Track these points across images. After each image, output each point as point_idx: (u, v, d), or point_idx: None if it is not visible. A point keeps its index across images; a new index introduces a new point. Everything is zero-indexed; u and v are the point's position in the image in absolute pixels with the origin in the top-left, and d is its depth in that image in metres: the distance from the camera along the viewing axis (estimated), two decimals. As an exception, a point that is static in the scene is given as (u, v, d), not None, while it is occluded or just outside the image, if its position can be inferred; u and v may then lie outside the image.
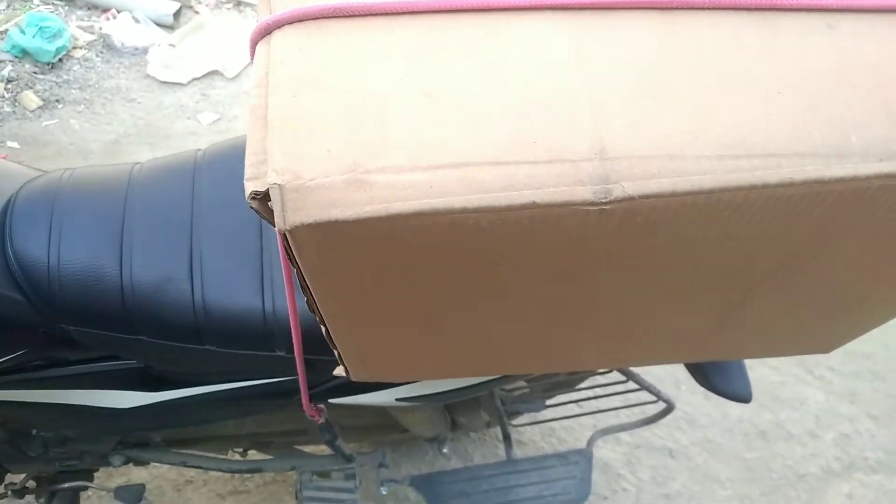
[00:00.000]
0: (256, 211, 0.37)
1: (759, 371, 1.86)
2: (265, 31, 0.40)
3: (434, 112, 0.36)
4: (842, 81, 0.38)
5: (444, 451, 1.34)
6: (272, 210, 0.36)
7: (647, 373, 1.20)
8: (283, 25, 0.40)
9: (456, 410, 1.18)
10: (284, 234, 0.37)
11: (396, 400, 0.93)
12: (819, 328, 0.64)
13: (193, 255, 0.80)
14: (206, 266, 0.80)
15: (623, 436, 1.69)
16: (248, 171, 0.36)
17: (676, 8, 0.40)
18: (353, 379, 0.69)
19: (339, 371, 0.70)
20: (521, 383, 1.21)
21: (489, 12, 0.39)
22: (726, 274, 0.47)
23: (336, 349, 0.59)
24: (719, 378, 0.88)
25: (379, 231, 0.36)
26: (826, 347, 0.71)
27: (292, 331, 0.67)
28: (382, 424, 1.18)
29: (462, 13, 0.39)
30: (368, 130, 0.36)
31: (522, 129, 0.36)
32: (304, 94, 0.37)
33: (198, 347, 0.81)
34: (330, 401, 0.93)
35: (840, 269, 0.49)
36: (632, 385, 1.13)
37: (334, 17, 0.39)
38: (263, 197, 0.36)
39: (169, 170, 0.86)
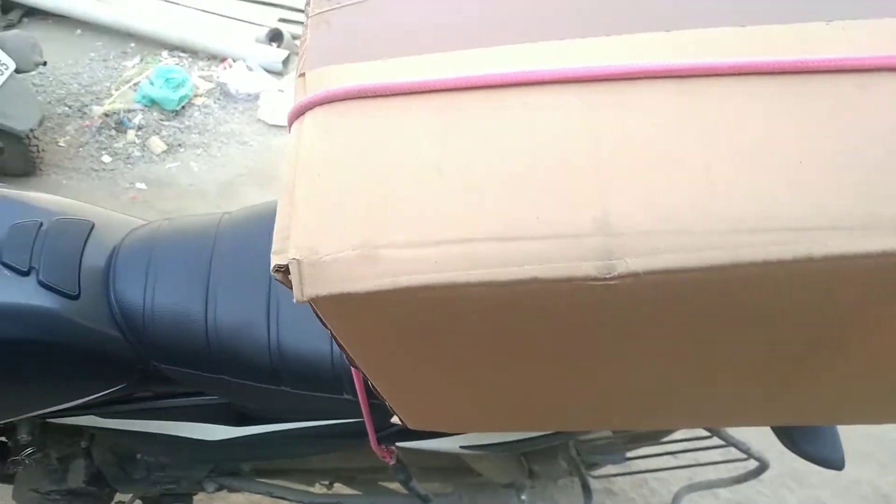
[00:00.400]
0: (280, 282, 0.40)
1: (881, 427, 1.70)
2: (299, 112, 0.43)
3: (444, 188, 0.38)
4: (873, 148, 0.36)
5: (523, 497, 1.32)
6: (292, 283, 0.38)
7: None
8: (315, 107, 0.43)
9: (532, 458, 1.17)
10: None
11: (461, 448, 0.94)
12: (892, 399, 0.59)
13: (271, 301, 0.85)
14: (282, 311, 0.85)
15: (723, 492, 1.58)
16: (274, 246, 0.39)
17: (696, 76, 0.40)
18: (410, 427, 0.71)
19: (395, 419, 0.71)
20: (606, 433, 1.18)
21: (505, 87, 0.40)
22: (763, 349, 0.45)
23: (384, 399, 0.61)
24: (806, 440, 0.82)
25: (389, 302, 0.38)
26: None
27: (354, 377, 0.70)
28: (456, 467, 1.19)
29: (478, 89, 0.40)
30: (382, 207, 0.38)
31: (526, 203, 0.37)
32: (326, 173, 0.40)
33: (273, 388, 0.86)
34: (398, 444, 0.95)
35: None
36: (718, 441, 1.07)
37: (359, 98, 0.42)
38: (285, 270, 0.39)
39: (253, 220, 0.93)
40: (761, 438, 1.09)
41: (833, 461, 0.82)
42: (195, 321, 0.85)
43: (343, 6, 0.47)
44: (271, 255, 0.39)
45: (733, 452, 1.11)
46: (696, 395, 0.56)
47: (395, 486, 1.30)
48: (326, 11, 0.47)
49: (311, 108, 0.43)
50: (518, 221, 0.37)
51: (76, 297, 0.83)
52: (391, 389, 0.57)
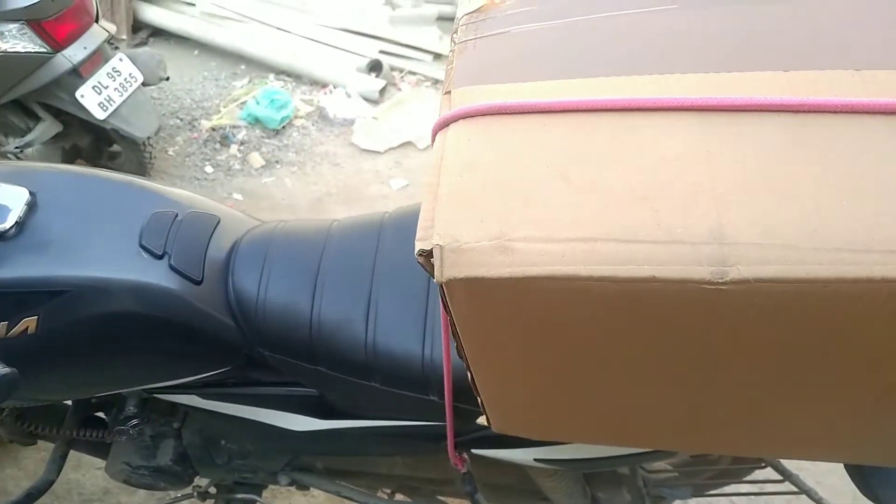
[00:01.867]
0: (422, 265, 0.45)
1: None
2: (443, 124, 0.50)
3: (571, 194, 0.43)
4: (980, 186, 0.39)
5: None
6: (433, 266, 0.44)
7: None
8: (458, 119, 0.49)
9: (597, 485, 1.18)
10: (442, 286, 0.45)
11: (535, 460, 0.97)
12: None
13: (371, 302, 0.92)
14: (381, 312, 0.91)
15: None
16: (418, 234, 0.45)
17: (808, 111, 0.44)
18: (494, 430, 0.75)
19: (481, 420, 0.76)
20: (667, 466, 1.18)
21: (629, 111, 0.46)
22: (859, 369, 0.47)
23: (479, 397, 0.66)
24: (882, 486, 0.81)
25: (517, 290, 0.43)
26: None
27: (444, 378, 0.75)
28: (522, 488, 1.21)
29: (604, 112, 0.46)
30: (515, 207, 0.44)
31: (647, 212, 0.41)
32: (467, 175, 0.46)
33: (365, 383, 0.92)
34: (473, 451, 0.99)
35: None
36: (791, 486, 1.06)
37: (498, 114, 0.48)
38: (428, 255, 0.44)
39: (359, 228, 1.01)
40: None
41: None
42: (301, 314, 0.93)
43: (486, 35, 0.54)
44: (415, 241, 0.45)
45: (804, 500, 1.09)
46: (784, 420, 0.58)
47: (455, 502, 1.33)
48: (471, 40, 0.54)
49: (455, 121, 0.49)
50: (639, 226, 0.41)
51: (199, 283, 0.92)
52: (491, 385, 0.62)
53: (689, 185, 0.42)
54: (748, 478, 1.15)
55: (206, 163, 2.84)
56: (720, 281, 0.39)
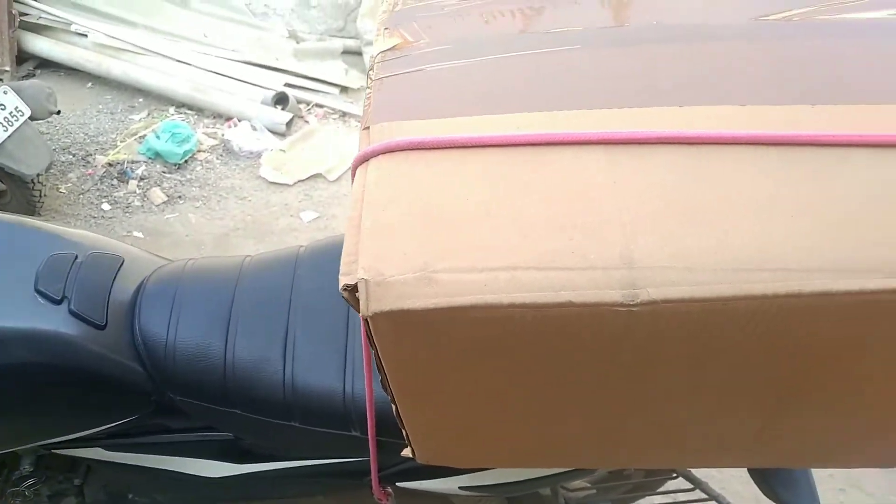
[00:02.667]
0: (346, 300, 0.46)
1: (853, 495, 1.75)
2: (364, 159, 0.50)
3: (491, 225, 0.45)
4: (851, 207, 0.44)
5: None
6: (359, 300, 0.44)
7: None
8: (378, 155, 0.50)
9: (520, 506, 1.20)
10: (367, 320, 0.46)
11: (459, 488, 0.97)
12: (882, 438, 0.65)
13: (288, 340, 0.90)
14: (298, 350, 0.90)
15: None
16: (342, 268, 0.45)
17: (703, 143, 0.47)
18: (419, 461, 0.75)
19: (406, 452, 0.76)
20: (586, 484, 1.21)
21: (542, 146, 0.48)
22: (759, 379, 0.51)
23: (404, 428, 0.66)
24: (782, 487, 0.87)
25: (442, 320, 0.44)
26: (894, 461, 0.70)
27: (367, 412, 0.74)
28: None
29: (519, 146, 0.48)
30: (438, 239, 0.45)
31: (562, 241, 0.44)
32: (390, 209, 0.47)
33: (284, 423, 0.90)
34: (397, 484, 0.98)
35: (882, 376, 0.52)
36: (701, 494, 1.12)
37: (418, 149, 0.49)
38: (353, 289, 0.45)
39: (274, 262, 0.99)
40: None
41: (809, 509, 0.87)
42: (214, 356, 0.90)
43: (402, 73, 0.55)
44: (340, 276, 0.45)
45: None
46: (695, 433, 0.62)
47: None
48: (388, 77, 0.55)
49: (375, 156, 0.50)
50: (555, 254, 0.43)
51: (102, 328, 0.88)
52: (416, 417, 0.62)
53: (599, 214, 0.45)
54: (662, 489, 1.20)
55: (103, 200, 2.70)
56: (631, 303, 0.42)
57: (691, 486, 1.11)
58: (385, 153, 0.50)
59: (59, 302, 0.85)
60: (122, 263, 0.95)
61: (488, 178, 0.47)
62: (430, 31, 0.57)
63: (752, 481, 0.93)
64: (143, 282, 0.96)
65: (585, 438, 0.64)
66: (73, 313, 0.85)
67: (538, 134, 0.48)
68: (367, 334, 0.48)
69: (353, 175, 0.51)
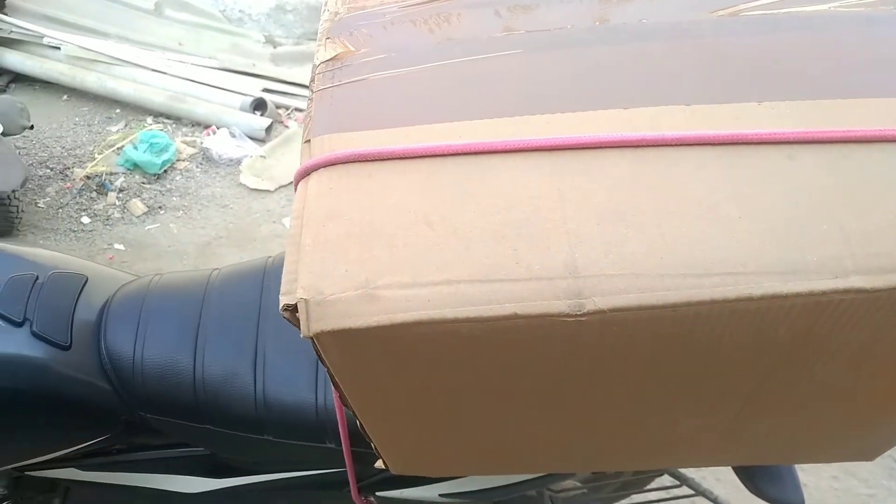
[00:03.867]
0: (288, 320, 0.44)
1: (847, 482, 1.75)
2: (305, 173, 0.49)
3: (433, 238, 0.44)
4: (799, 206, 0.43)
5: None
6: (300, 320, 0.43)
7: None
8: (319, 168, 0.49)
9: (507, 511, 1.19)
10: (312, 340, 0.44)
11: (440, 496, 0.96)
12: (850, 435, 0.65)
13: (258, 353, 0.89)
14: (269, 363, 0.88)
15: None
16: (282, 288, 0.44)
17: (648, 145, 0.46)
18: (393, 472, 0.74)
19: (379, 464, 0.75)
20: (575, 484, 1.21)
21: (483, 154, 0.47)
22: (717, 383, 0.50)
23: (371, 441, 0.65)
24: (766, 482, 0.86)
25: (387, 337, 0.43)
26: (868, 455, 0.70)
27: (339, 424, 0.73)
28: (433, 522, 1.20)
29: (460, 156, 0.47)
30: (379, 254, 0.44)
31: (506, 251, 0.42)
32: (330, 224, 0.45)
33: (257, 437, 0.88)
34: (378, 493, 0.97)
35: (843, 375, 0.51)
36: (688, 490, 1.11)
37: (358, 161, 0.48)
38: (294, 309, 0.43)
39: (242, 275, 0.97)
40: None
41: (793, 503, 0.86)
42: (183, 372, 0.88)
43: (344, 83, 0.54)
44: (280, 295, 0.44)
45: (699, 502, 1.15)
46: (661, 435, 0.61)
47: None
48: (329, 87, 0.54)
49: (316, 170, 0.49)
50: (499, 266, 0.42)
51: (67, 348, 0.86)
52: (380, 430, 0.61)
53: (543, 223, 0.44)
54: (652, 485, 1.19)
55: (83, 213, 2.67)
56: (578, 313, 0.41)
57: (679, 483, 1.11)
58: (326, 166, 0.48)
59: (20, 324, 0.84)
60: (86, 282, 0.93)
61: (430, 189, 0.46)
62: (372, 39, 0.55)
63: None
64: (108, 300, 0.94)
65: (550, 445, 0.63)
66: (35, 335, 0.84)
67: (480, 142, 0.47)
68: (317, 352, 0.47)
69: (296, 189, 0.50)
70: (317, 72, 0.54)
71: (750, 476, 0.91)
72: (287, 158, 2.92)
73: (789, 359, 0.48)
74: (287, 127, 3.11)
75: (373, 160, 0.48)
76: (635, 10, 0.54)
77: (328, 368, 0.49)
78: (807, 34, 0.52)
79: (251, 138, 2.97)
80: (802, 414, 0.58)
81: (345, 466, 0.83)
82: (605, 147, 0.46)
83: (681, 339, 0.44)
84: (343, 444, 0.77)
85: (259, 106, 3.07)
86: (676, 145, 0.46)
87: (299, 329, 0.44)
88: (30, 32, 3.26)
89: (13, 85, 3.33)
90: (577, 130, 0.46)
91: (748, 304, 0.41)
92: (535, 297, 0.41)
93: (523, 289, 0.41)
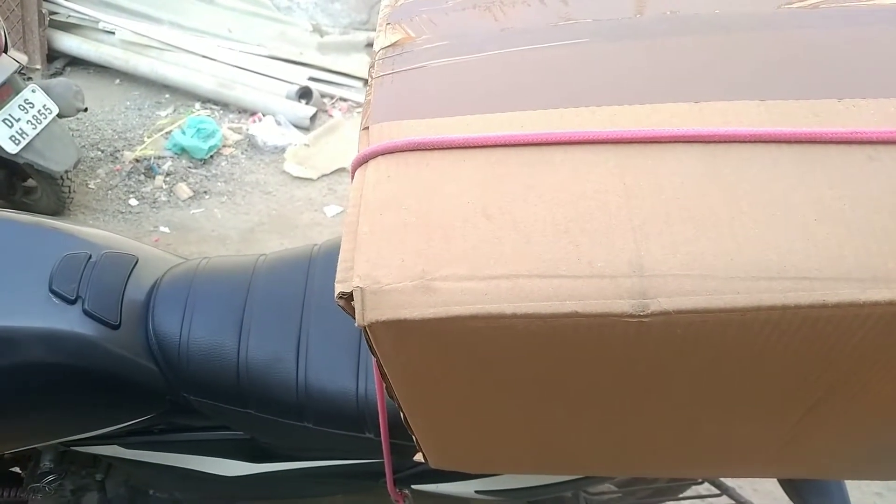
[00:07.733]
0: (343, 308, 0.44)
1: (891, 499, 1.69)
2: (362, 161, 0.48)
3: (492, 230, 0.43)
4: (880, 210, 0.41)
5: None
6: (354, 309, 0.43)
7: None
8: (377, 156, 0.48)
9: (541, 510, 1.17)
10: (365, 329, 0.44)
11: (476, 492, 0.95)
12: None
13: (301, 340, 0.89)
14: (311, 350, 0.88)
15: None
16: (338, 276, 0.44)
17: (720, 141, 0.44)
18: (432, 465, 0.73)
19: (418, 457, 0.74)
20: (611, 487, 1.19)
21: (546, 146, 0.45)
22: (780, 391, 0.48)
23: (413, 434, 0.64)
24: (814, 497, 0.83)
25: (441, 330, 0.42)
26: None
27: (380, 415, 0.73)
28: (467, 518, 1.19)
29: (522, 146, 0.46)
30: (437, 245, 0.43)
31: (568, 247, 0.41)
32: (388, 213, 0.45)
33: (297, 424, 0.89)
34: (413, 486, 0.97)
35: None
36: (726, 499, 1.08)
37: (417, 150, 0.47)
38: (349, 297, 0.43)
39: (287, 262, 0.98)
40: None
41: (841, 520, 0.83)
42: (228, 356, 0.89)
43: (403, 70, 0.53)
44: (335, 283, 0.43)
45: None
46: (714, 442, 0.59)
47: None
48: (388, 74, 0.53)
49: (374, 157, 0.48)
50: (560, 261, 0.41)
51: (117, 327, 0.87)
52: (424, 423, 0.60)
53: (607, 218, 0.42)
54: (688, 493, 1.17)
55: (131, 195, 2.73)
56: (641, 314, 0.39)
57: (718, 493, 1.08)
58: (384, 154, 0.48)
59: (73, 302, 0.85)
60: (136, 263, 0.95)
61: (490, 181, 0.45)
62: (433, 26, 0.54)
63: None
64: (157, 281, 0.95)
65: (596, 447, 0.62)
66: (87, 313, 0.85)
67: (543, 133, 0.46)
68: (368, 342, 0.47)
69: (353, 177, 0.49)
70: (377, 58, 0.53)
71: (797, 489, 0.87)
72: (330, 147, 2.94)
73: (860, 369, 0.45)
74: (331, 116, 3.13)
75: (432, 149, 0.47)
76: (710, 1, 0.52)
77: (377, 358, 0.49)
78: (890, 28, 0.49)
79: (296, 126, 2.99)
80: (865, 428, 0.55)
81: (381, 457, 0.83)
82: (675, 141, 0.44)
83: (747, 344, 0.42)
84: (382, 435, 0.77)
85: (304, 94, 3.10)
86: (750, 142, 0.44)
87: (353, 318, 0.43)
88: (86, 17, 3.34)
89: (69, 68, 3.42)
90: (645, 123, 0.45)
91: (822, 312, 0.39)
92: (597, 295, 0.40)
93: (585, 286, 0.40)
